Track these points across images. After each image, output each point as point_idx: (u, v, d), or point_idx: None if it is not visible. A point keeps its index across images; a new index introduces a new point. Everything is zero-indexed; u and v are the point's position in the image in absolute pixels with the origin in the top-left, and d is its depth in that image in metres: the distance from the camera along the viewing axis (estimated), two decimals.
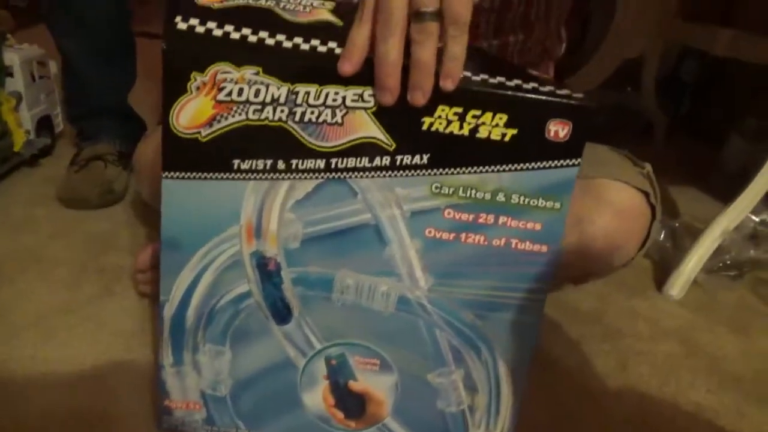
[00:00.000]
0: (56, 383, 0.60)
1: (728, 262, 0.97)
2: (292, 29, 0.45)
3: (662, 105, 1.74)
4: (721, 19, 1.32)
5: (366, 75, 0.43)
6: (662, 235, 1.03)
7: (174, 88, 0.44)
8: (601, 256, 0.66)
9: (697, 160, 1.57)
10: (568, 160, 0.45)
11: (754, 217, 0.98)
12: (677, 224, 1.04)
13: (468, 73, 0.44)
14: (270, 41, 0.44)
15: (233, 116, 0.45)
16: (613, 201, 0.63)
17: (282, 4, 0.48)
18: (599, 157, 0.67)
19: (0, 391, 0.58)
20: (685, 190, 1.39)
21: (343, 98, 0.44)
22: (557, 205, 0.47)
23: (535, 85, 0.45)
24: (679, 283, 0.94)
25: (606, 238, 0.63)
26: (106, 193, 0.96)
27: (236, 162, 0.46)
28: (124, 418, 0.58)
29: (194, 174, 0.46)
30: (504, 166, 0.46)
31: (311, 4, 0.50)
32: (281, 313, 0.50)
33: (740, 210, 0.93)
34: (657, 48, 1.57)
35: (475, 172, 0.46)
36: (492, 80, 0.45)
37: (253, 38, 0.44)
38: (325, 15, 0.48)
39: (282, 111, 0.44)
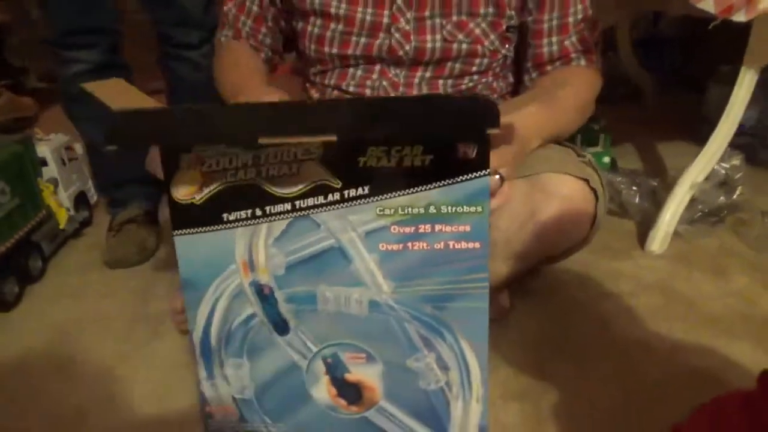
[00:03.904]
0: (132, 413, 0.75)
1: (705, 211, 1.03)
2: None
3: (647, 65, 1.76)
4: None
5: (298, 124, 0.55)
6: (638, 197, 1.09)
7: (170, 168, 0.58)
8: (555, 240, 0.75)
9: (687, 113, 1.59)
10: (478, 172, 0.56)
11: (724, 164, 1.04)
12: (655, 183, 1.11)
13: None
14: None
15: (216, 182, 0.58)
16: (558, 192, 0.73)
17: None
18: (544, 155, 0.76)
19: (95, 427, 0.73)
20: (675, 145, 1.43)
21: (295, 154, 0.57)
22: (479, 209, 0.57)
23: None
24: (658, 238, 1.00)
25: (556, 224, 0.72)
26: (142, 250, 1.13)
27: (225, 215, 0.59)
28: (185, 429, 0.72)
29: (196, 229, 0.60)
30: (429, 185, 0.57)
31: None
32: (280, 326, 0.63)
33: (706, 161, 0.98)
34: (625, 15, 1.62)
35: (407, 193, 0.57)
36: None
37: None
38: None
39: (251, 172, 0.58)
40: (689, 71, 1.83)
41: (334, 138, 0.52)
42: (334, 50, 0.81)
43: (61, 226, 1.18)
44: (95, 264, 1.12)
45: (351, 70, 0.82)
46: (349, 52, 0.80)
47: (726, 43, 1.06)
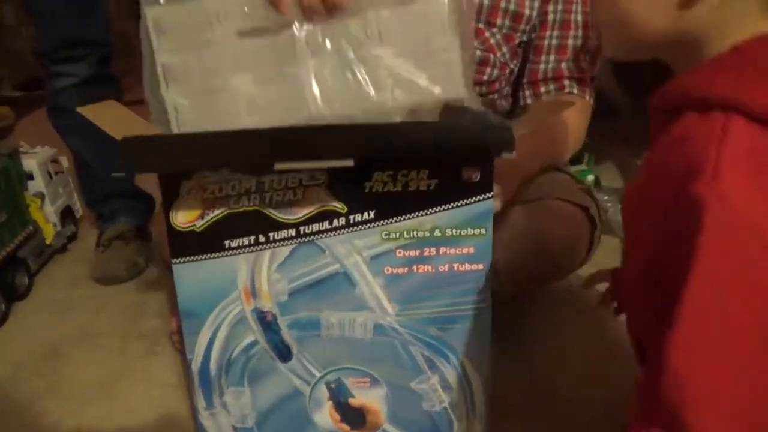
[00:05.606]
0: None
1: None
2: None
3: (622, 83, 1.83)
4: None
5: (314, 150, 0.55)
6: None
7: (169, 195, 0.57)
8: (555, 261, 0.78)
9: None
10: (482, 195, 0.57)
11: None
12: None
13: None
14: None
15: (218, 209, 0.57)
16: (559, 218, 0.76)
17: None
18: (546, 181, 0.80)
19: None
20: None
21: (300, 180, 0.56)
22: (482, 231, 0.58)
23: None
24: None
25: (556, 249, 0.75)
26: (132, 267, 1.10)
27: (227, 242, 0.58)
28: None
29: (196, 257, 0.59)
30: (434, 209, 0.57)
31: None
32: (283, 353, 0.62)
33: None
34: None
35: (412, 217, 0.58)
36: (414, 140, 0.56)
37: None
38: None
39: (255, 198, 0.57)
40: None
41: (351, 163, 0.52)
42: None
43: (48, 242, 1.14)
44: (82, 280, 1.09)
45: None
46: None
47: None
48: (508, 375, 0.78)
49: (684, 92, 0.41)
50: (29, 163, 1.16)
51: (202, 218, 0.57)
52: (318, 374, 0.63)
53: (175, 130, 0.58)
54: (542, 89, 0.83)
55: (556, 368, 0.81)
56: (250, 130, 0.52)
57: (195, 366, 0.63)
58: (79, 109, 0.58)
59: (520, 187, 0.76)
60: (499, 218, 0.68)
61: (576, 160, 1.25)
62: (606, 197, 1.14)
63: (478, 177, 0.56)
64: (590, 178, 1.27)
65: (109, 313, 0.99)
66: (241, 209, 0.57)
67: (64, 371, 0.85)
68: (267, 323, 0.61)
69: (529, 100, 0.86)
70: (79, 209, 1.31)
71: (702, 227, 0.35)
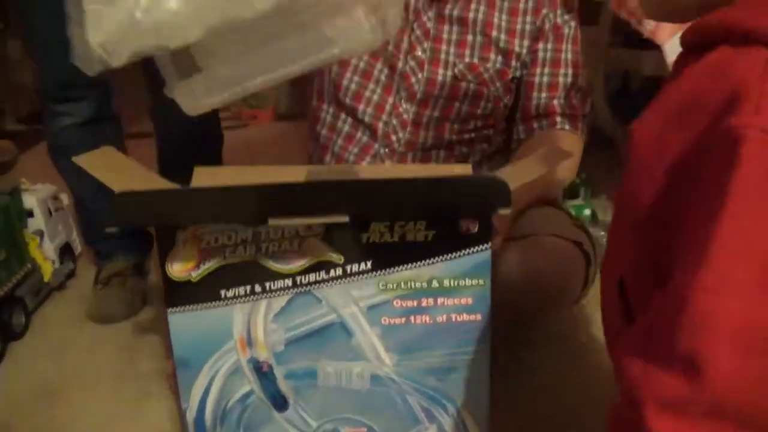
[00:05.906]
0: None
1: None
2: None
3: (619, 118, 1.84)
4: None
5: (308, 206, 0.54)
6: None
7: (165, 245, 0.56)
8: (549, 297, 0.77)
9: None
10: (480, 246, 0.57)
11: None
12: None
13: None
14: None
15: (214, 259, 0.57)
16: (553, 255, 0.75)
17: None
18: (540, 217, 0.80)
19: None
20: None
21: (297, 230, 0.56)
22: (481, 281, 0.58)
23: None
24: None
25: (552, 284, 0.74)
26: (129, 305, 1.09)
27: (223, 292, 0.58)
28: None
29: (192, 306, 0.58)
30: (431, 260, 0.57)
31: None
32: (279, 403, 0.61)
33: None
34: (598, 72, 1.70)
35: (410, 268, 0.57)
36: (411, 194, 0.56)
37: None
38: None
39: (251, 248, 0.57)
40: None
41: (346, 219, 0.51)
42: (358, 70, 0.86)
43: (46, 279, 1.13)
44: (80, 318, 1.08)
45: (367, 93, 0.85)
46: (375, 72, 0.85)
47: None
48: (506, 408, 0.77)
49: (724, 26, 0.39)
50: (29, 200, 1.16)
51: (198, 268, 0.57)
52: (314, 424, 0.62)
53: (90, 36, 0.48)
54: (535, 125, 0.85)
55: (553, 401, 0.80)
56: (244, 186, 0.52)
57: (190, 416, 0.62)
58: (74, 159, 0.58)
59: (512, 222, 0.76)
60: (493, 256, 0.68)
61: (572, 194, 1.25)
62: (602, 232, 1.13)
63: (476, 228, 0.56)
64: (587, 212, 1.26)
65: (105, 353, 0.97)
66: (238, 259, 0.57)
67: (59, 413, 0.84)
68: (263, 373, 0.61)
69: (522, 135, 0.87)
70: (78, 246, 1.30)
71: (740, 160, 0.33)
